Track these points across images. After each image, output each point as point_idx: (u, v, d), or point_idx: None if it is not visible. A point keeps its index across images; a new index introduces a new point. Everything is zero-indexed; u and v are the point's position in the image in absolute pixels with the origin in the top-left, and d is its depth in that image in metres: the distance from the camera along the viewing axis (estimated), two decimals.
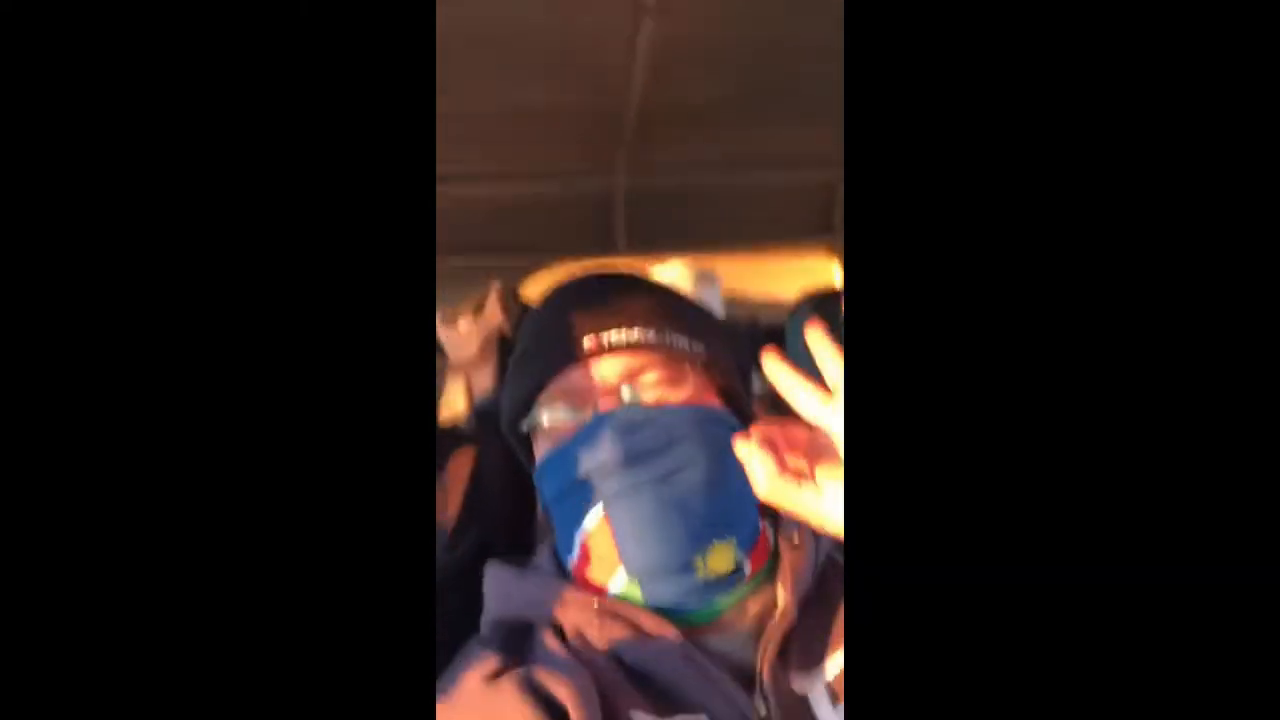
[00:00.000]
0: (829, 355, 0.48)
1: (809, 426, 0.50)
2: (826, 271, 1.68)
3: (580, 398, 0.61)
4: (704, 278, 1.52)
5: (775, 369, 0.50)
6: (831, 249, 1.62)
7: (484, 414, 0.79)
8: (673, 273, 1.54)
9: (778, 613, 0.58)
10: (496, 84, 1.05)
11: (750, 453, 0.49)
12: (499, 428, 0.73)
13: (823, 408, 0.48)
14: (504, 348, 1.01)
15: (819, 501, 0.48)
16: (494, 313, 1.07)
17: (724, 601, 0.60)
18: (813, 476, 0.49)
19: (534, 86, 1.02)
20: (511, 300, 1.15)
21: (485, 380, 0.88)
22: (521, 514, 0.74)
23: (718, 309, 1.54)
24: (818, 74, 1.05)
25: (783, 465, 0.48)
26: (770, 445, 0.49)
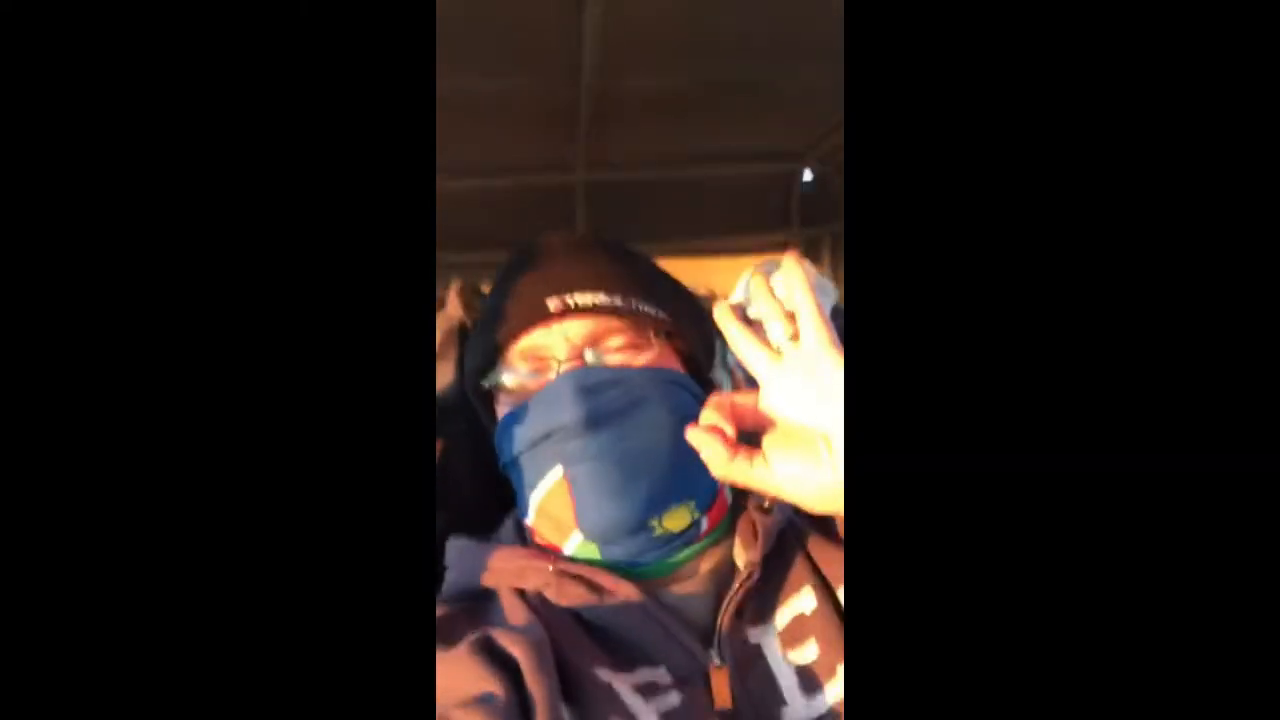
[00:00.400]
0: (774, 314, 0.49)
1: (755, 396, 0.50)
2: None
3: (543, 358, 0.62)
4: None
5: (726, 321, 0.50)
6: (790, 242, 1.63)
7: (447, 406, 0.78)
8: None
9: (742, 572, 0.59)
10: (446, 76, 1.04)
11: (700, 440, 0.49)
12: (461, 420, 0.72)
13: (770, 366, 0.49)
14: (464, 341, 1.00)
15: (770, 475, 0.48)
16: (455, 308, 1.05)
17: (680, 556, 0.61)
18: (761, 449, 0.49)
19: (485, 77, 1.02)
20: (472, 296, 1.13)
21: (448, 374, 0.87)
22: (488, 503, 0.73)
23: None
24: (776, 63, 1.06)
25: (733, 449, 0.49)
26: (718, 431, 0.49)
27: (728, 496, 0.65)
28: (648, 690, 0.55)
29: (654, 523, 0.58)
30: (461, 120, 1.11)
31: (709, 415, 0.51)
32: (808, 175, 1.53)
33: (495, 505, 0.71)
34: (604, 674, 0.55)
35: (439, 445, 0.77)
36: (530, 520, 0.63)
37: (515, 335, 0.62)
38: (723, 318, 0.51)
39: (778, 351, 0.49)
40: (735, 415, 0.51)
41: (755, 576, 0.58)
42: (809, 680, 0.56)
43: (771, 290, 0.49)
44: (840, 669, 0.55)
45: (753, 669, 0.57)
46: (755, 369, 0.50)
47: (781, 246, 1.65)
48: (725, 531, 0.63)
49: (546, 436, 0.59)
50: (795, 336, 0.48)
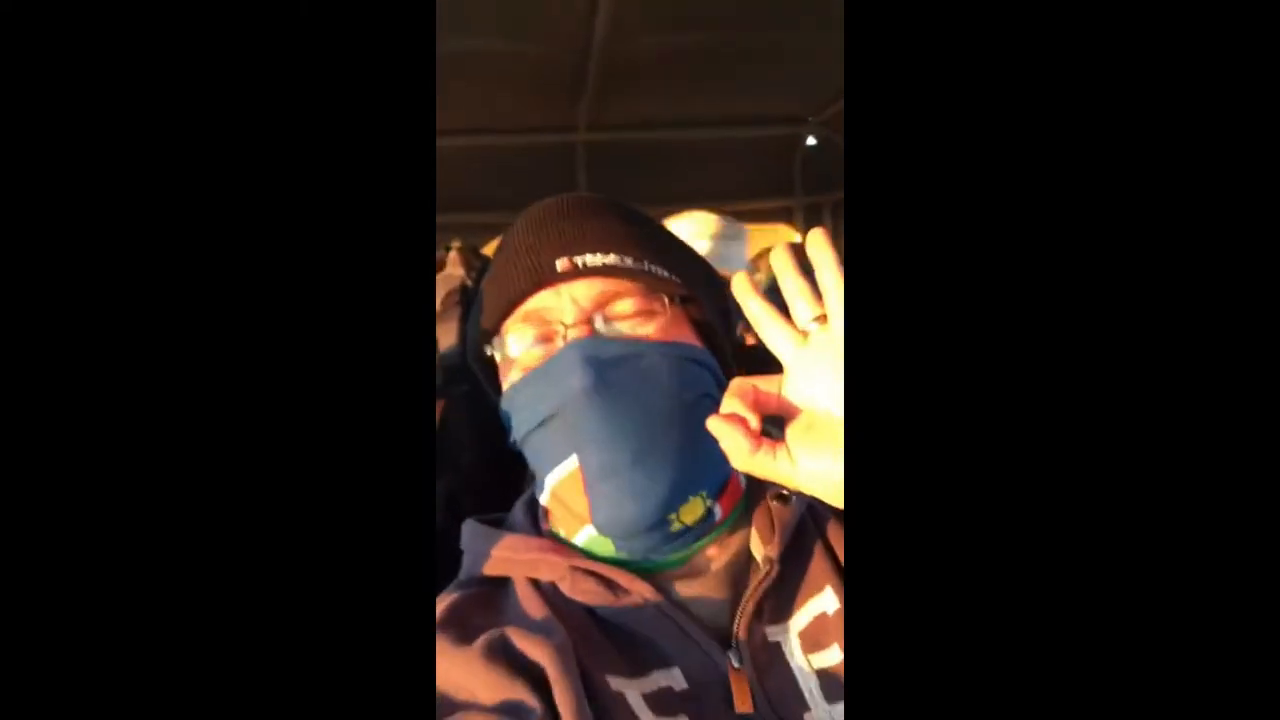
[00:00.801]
0: (800, 293, 0.45)
1: (779, 382, 0.47)
2: (785, 229, 1.69)
3: (549, 322, 0.59)
4: (731, 230, 1.43)
5: (746, 297, 0.47)
6: (791, 206, 1.63)
7: (449, 368, 0.78)
8: (696, 224, 1.43)
9: (761, 569, 0.57)
10: (454, 35, 1.02)
11: (722, 431, 0.47)
12: (463, 381, 0.72)
13: (795, 350, 0.46)
14: (466, 302, 1.00)
15: (794, 470, 0.45)
16: (455, 268, 1.05)
17: (694, 547, 0.59)
18: (785, 441, 0.46)
19: (493, 36, 1.00)
20: (473, 257, 1.13)
21: (449, 335, 0.87)
22: (487, 467, 0.73)
23: (741, 264, 1.45)
24: (782, 28, 1.05)
25: (756, 441, 0.46)
26: (741, 421, 0.47)
27: (741, 482, 0.62)
28: (661, 703, 0.52)
29: (671, 517, 0.55)
30: (467, 81, 1.09)
31: (730, 403, 0.47)
32: (811, 140, 1.52)
33: (496, 469, 0.71)
34: (617, 682, 0.52)
35: (440, 406, 0.77)
36: (544, 501, 0.61)
37: (521, 298, 0.59)
38: (742, 292, 0.47)
39: (803, 334, 0.45)
40: (758, 402, 0.47)
41: (774, 573, 0.56)
42: (832, 685, 0.54)
43: (798, 267, 0.45)
44: None
45: (772, 670, 0.54)
46: (779, 351, 0.47)
47: (784, 212, 1.64)
48: (739, 518, 0.61)
49: (556, 414, 0.57)
50: (823, 319, 0.44)
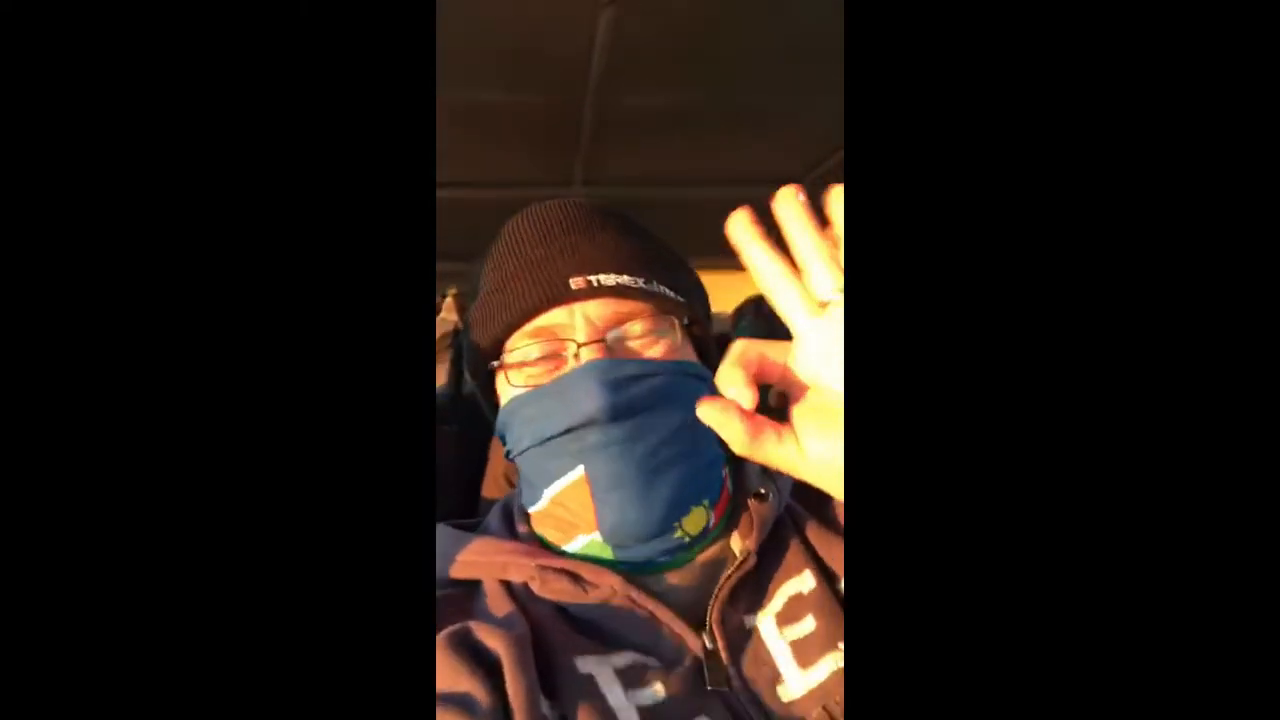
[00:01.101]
0: (820, 256, 0.38)
1: (788, 350, 0.41)
2: None
3: (560, 339, 0.58)
4: None
5: (753, 250, 0.40)
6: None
7: (439, 408, 0.79)
8: None
9: (737, 560, 0.57)
10: (452, 86, 1.05)
11: (715, 419, 0.40)
12: (452, 421, 0.73)
13: (809, 320, 0.39)
14: (458, 345, 1.02)
15: (800, 457, 0.40)
16: (450, 313, 1.07)
17: (690, 554, 0.59)
18: (790, 423, 0.40)
19: (490, 88, 1.03)
20: (467, 302, 1.15)
21: (440, 377, 0.88)
22: (470, 504, 0.74)
23: None
24: (775, 88, 1.08)
25: (754, 425, 0.39)
26: (735, 406, 0.40)
27: (730, 487, 0.63)
28: (630, 678, 0.53)
29: (675, 525, 0.56)
30: (466, 133, 1.12)
31: (731, 372, 0.40)
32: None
33: (478, 505, 0.71)
34: (584, 664, 0.53)
35: None
36: (538, 508, 0.60)
37: (532, 313, 0.58)
38: (743, 234, 0.40)
39: (821, 305, 0.39)
40: (762, 372, 0.41)
41: (751, 562, 0.57)
42: (806, 653, 0.55)
43: (817, 226, 0.38)
44: (840, 642, 0.53)
45: (747, 651, 0.55)
46: (790, 317, 0.40)
47: None
48: (727, 523, 0.62)
49: (568, 431, 0.56)
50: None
